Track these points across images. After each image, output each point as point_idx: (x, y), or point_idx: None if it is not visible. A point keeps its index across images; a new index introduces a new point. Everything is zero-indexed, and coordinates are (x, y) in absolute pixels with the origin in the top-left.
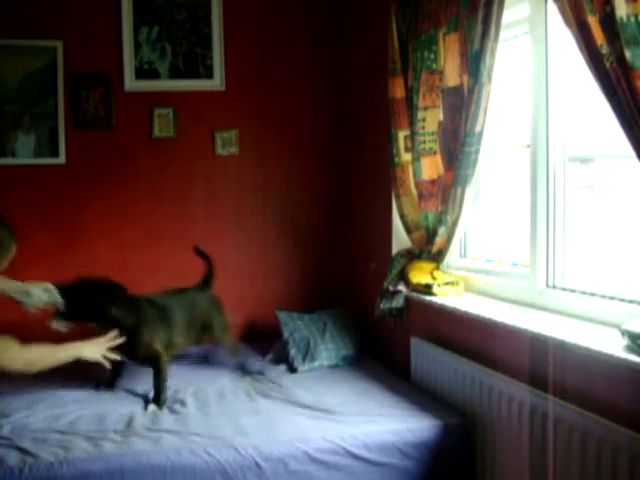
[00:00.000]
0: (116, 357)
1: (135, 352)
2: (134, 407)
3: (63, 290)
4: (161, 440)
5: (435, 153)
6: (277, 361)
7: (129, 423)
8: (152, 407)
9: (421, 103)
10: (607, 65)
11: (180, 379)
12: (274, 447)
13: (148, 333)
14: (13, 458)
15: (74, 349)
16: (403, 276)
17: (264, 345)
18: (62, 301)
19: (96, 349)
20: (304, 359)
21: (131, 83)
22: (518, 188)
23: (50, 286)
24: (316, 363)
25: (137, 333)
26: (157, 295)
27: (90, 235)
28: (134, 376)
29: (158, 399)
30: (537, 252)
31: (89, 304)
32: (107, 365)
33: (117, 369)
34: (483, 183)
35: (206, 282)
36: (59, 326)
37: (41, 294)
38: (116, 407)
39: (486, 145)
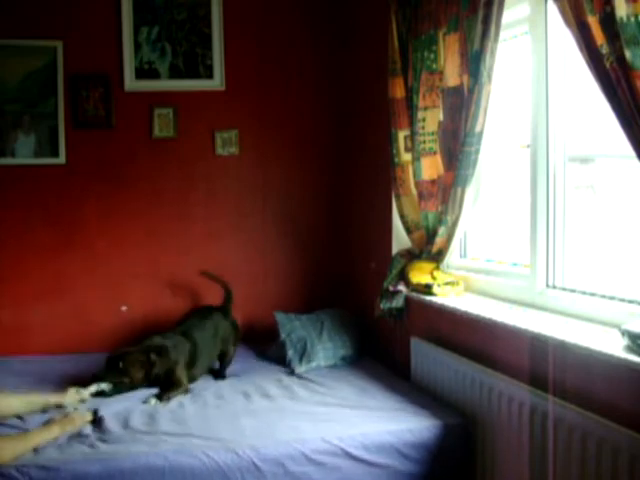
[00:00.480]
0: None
1: (162, 386)
2: (131, 406)
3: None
4: (160, 442)
5: (435, 153)
6: (275, 362)
7: (126, 424)
8: (153, 400)
9: (421, 103)
10: (607, 65)
11: None
12: (272, 448)
13: (175, 372)
14: (11, 462)
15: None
16: (403, 276)
17: (262, 346)
18: (106, 386)
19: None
20: (301, 360)
21: (131, 83)
22: (518, 188)
23: (74, 390)
24: (313, 364)
25: (172, 376)
26: (188, 322)
27: (90, 235)
28: None
29: (161, 397)
30: (537, 252)
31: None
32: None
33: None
34: (483, 183)
35: (226, 306)
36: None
37: (81, 397)
38: (114, 407)
39: (486, 145)
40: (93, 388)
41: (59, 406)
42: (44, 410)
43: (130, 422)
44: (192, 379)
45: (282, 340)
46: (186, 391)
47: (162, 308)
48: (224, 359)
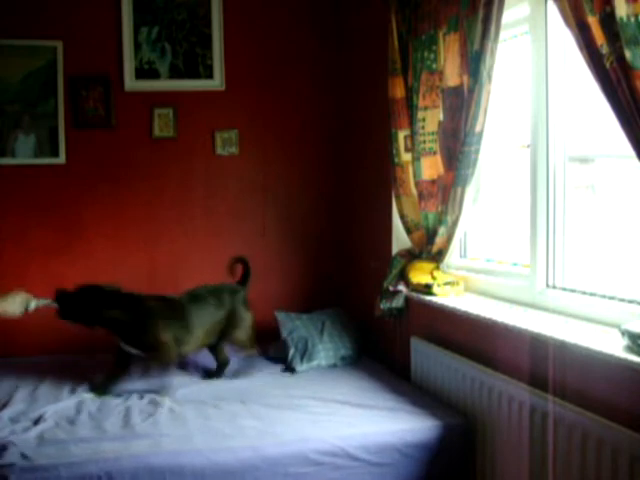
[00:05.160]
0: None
1: (141, 344)
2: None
3: (61, 296)
4: (160, 442)
5: (435, 153)
6: (276, 361)
7: (127, 425)
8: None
9: (421, 103)
10: (607, 65)
11: (178, 380)
12: (272, 449)
13: (152, 326)
14: (10, 463)
15: None
16: (403, 276)
17: (263, 345)
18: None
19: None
20: (302, 359)
21: (131, 83)
22: (518, 188)
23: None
24: (314, 363)
25: (140, 327)
26: (182, 294)
27: (90, 235)
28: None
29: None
30: (537, 252)
31: (83, 309)
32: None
33: (114, 376)
34: (483, 183)
35: (243, 281)
36: None
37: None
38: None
39: (486, 145)
40: (38, 302)
41: None
42: None
43: (130, 421)
44: (186, 343)
45: (283, 339)
46: (167, 361)
47: None
48: (233, 331)
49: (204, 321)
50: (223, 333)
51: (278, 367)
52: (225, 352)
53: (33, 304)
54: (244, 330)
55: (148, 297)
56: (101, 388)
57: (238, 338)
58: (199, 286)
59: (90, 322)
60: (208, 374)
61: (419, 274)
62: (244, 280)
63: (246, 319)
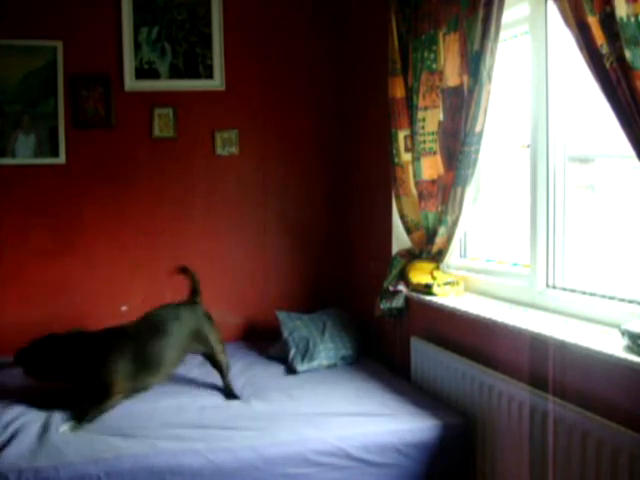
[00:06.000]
0: None
1: (92, 390)
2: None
3: (22, 353)
4: (160, 443)
5: (435, 153)
6: (277, 361)
7: (126, 426)
8: (66, 426)
9: (421, 103)
10: (607, 65)
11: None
12: (272, 449)
13: (107, 370)
14: (10, 464)
15: None
16: (403, 276)
17: (264, 345)
18: None
19: None
20: (303, 359)
21: (131, 83)
22: (518, 188)
23: None
24: (315, 363)
25: (96, 370)
26: (141, 321)
27: (90, 235)
28: None
29: (81, 419)
30: (537, 252)
31: (43, 362)
32: None
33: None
34: (483, 183)
35: (194, 298)
36: None
37: None
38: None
39: (486, 145)
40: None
41: None
42: None
43: (130, 422)
44: (140, 389)
45: (284, 339)
46: (111, 402)
47: None
48: (217, 365)
49: (167, 354)
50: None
51: (279, 367)
52: (219, 356)
53: None
54: (211, 346)
55: (102, 333)
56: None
57: (214, 346)
58: (155, 310)
59: (48, 377)
60: (223, 394)
61: (419, 274)
62: (194, 294)
63: (211, 334)
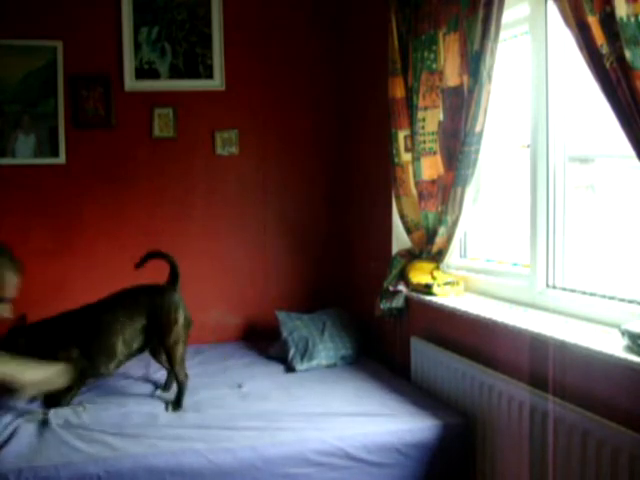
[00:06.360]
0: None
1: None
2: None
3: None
4: (159, 443)
5: (435, 153)
6: (276, 361)
7: (126, 425)
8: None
9: (421, 103)
10: (607, 65)
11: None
12: (272, 449)
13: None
14: (10, 464)
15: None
16: (403, 276)
17: (264, 345)
18: None
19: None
20: (302, 359)
21: (131, 83)
22: (518, 188)
23: None
24: (314, 362)
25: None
26: (94, 303)
27: (90, 235)
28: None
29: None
30: (537, 252)
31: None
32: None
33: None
34: (483, 183)
35: (171, 282)
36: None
37: None
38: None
39: (486, 145)
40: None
41: None
42: None
43: (129, 422)
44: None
45: (284, 339)
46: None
47: None
48: (168, 360)
49: (118, 332)
50: (149, 340)
51: (278, 367)
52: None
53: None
54: (171, 337)
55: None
56: (54, 400)
57: (165, 345)
58: (117, 291)
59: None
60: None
61: (419, 274)
62: (173, 280)
63: (171, 324)
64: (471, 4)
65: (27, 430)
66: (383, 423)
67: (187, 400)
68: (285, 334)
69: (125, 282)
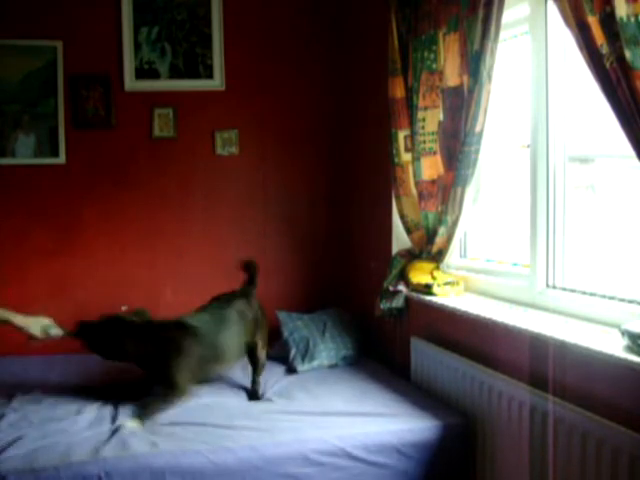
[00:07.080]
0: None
1: (159, 379)
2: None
3: (82, 329)
4: (159, 442)
5: (435, 153)
6: (277, 361)
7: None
8: (131, 423)
9: (421, 103)
10: (607, 65)
11: None
12: (272, 449)
13: (173, 365)
14: (10, 464)
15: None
16: (403, 276)
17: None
18: (63, 333)
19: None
20: (303, 359)
21: (131, 83)
22: (518, 188)
23: (48, 323)
24: (315, 363)
25: (161, 363)
26: (203, 314)
27: (90, 235)
28: None
29: (143, 416)
30: (537, 252)
31: (105, 343)
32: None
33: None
34: (483, 183)
35: (249, 288)
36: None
37: (45, 329)
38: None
39: (486, 145)
40: (59, 331)
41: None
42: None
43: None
44: (202, 381)
45: (285, 339)
46: (179, 399)
47: (162, 307)
48: (254, 360)
49: (232, 344)
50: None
51: (279, 367)
52: (259, 352)
53: (54, 331)
54: (263, 333)
55: (171, 325)
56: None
57: (259, 341)
58: (217, 301)
59: (112, 357)
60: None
61: (419, 274)
62: (251, 284)
63: (264, 321)
64: (471, 4)
65: (28, 430)
66: (383, 423)
67: (196, 402)
68: (286, 334)
69: (125, 282)
